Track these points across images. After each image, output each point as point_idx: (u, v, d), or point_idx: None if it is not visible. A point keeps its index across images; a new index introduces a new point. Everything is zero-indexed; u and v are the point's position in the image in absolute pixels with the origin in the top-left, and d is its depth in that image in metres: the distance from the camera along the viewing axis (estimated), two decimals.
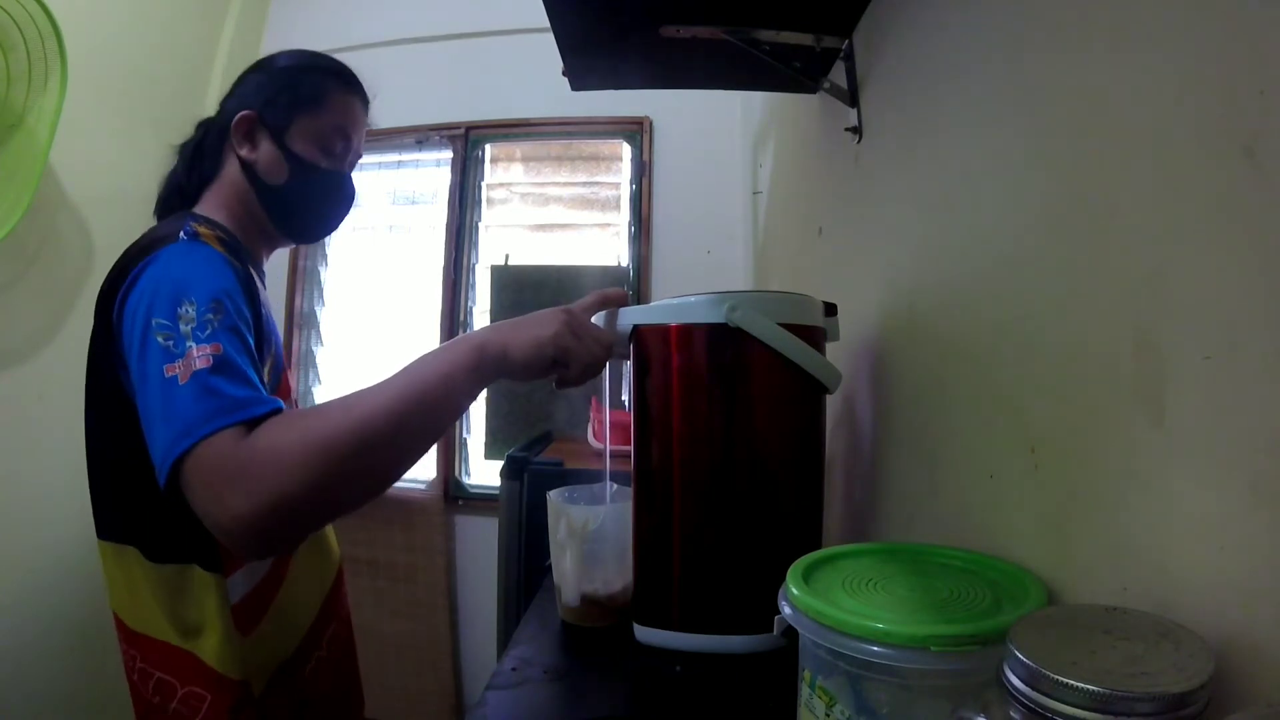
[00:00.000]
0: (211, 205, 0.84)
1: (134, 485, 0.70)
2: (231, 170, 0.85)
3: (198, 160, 0.87)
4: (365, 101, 0.91)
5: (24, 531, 1.64)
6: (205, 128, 0.89)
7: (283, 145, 0.84)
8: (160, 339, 0.62)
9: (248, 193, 0.84)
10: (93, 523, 0.77)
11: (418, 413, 0.61)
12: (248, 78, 0.88)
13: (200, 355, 0.61)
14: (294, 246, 0.94)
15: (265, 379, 0.71)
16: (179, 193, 0.87)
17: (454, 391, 0.63)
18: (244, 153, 0.84)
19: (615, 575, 0.79)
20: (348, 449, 0.58)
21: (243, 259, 0.74)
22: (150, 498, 0.64)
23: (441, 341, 2.19)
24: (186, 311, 0.63)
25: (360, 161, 0.94)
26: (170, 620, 0.73)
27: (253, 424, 0.59)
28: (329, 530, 0.93)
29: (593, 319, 0.72)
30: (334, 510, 0.73)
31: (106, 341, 0.71)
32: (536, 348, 0.66)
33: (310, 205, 0.88)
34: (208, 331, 0.63)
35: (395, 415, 0.60)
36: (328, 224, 0.92)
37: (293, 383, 0.84)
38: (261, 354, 0.72)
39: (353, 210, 0.94)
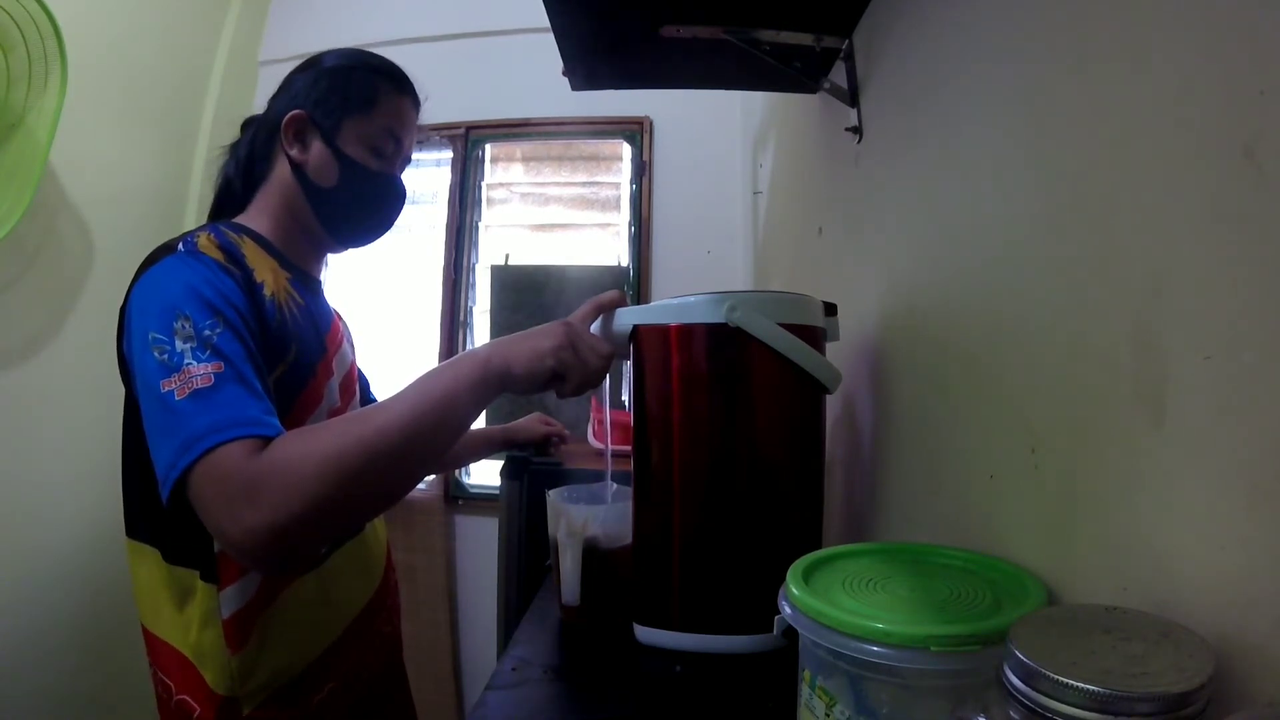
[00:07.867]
0: (258, 211, 0.83)
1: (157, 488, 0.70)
2: (282, 172, 0.83)
3: (250, 161, 0.85)
4: (416, 103, 0.89)
5: (24, 532, 1.63)
6: (253, 126, 0.87)
7: (333, 146, 0.82)
8: (156, 353, 0.62)
9: (297, 195, 0.83)
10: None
11: (425, 428, 0.62)
12: (296, 77, 0.86)
13: (201, 373, 0.61)
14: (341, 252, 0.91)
15: (272, 387, 0.70)
16: (228, 194, 0.87)
17: (459, 406, 0.64)
18: (294, 153, 0.82)
19: (617, 532, 0.78)
20: (358, 464, 0.59)
21: (244, 266, 0.72)
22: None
23: (441, 342, 2.21)
24: (183, 326, 0.63)
25: None
26: (177, 624, 0.73)
27: (263, 441, 0.59)
28: (370, 558, 0.89)
29: (592, 326, 0.72)
30: (345, 523, 0.74)
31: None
32: (537, 361, 0.67)
33: (360, 208, 0.86)
34: (209, 346, 0.62)
35: (404, 431, 0.61)
36: (377, 228, 0.90)
37: (325, 397, 0.81)
38: (273, 360, 0.72)
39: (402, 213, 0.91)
